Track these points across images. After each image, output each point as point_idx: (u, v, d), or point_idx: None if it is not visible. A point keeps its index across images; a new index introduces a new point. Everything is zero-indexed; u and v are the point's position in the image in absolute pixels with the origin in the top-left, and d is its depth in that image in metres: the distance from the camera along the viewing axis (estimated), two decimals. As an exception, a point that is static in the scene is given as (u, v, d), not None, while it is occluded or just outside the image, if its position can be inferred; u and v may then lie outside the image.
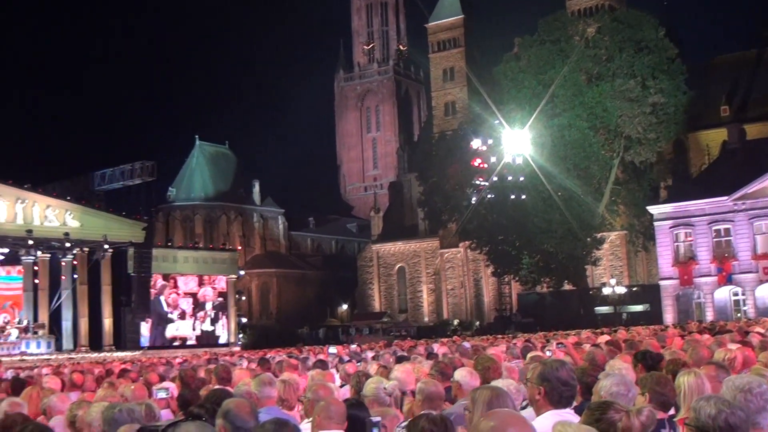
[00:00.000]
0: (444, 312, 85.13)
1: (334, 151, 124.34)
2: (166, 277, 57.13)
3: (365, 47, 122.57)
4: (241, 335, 65.80)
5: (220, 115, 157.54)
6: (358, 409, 6.02)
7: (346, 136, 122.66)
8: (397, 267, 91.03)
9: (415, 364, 10.47)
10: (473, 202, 56.64)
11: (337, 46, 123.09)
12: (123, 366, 20.97)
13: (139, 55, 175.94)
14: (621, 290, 62.18)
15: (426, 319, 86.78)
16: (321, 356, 18.00)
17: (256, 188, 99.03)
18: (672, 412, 5.77)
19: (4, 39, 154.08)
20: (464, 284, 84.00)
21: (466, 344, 20.12)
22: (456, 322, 79.65)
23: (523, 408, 6.06)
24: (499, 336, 35.96)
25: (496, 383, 6.24)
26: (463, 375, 7.31)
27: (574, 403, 5.59)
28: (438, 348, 18.97)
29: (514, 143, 45.33)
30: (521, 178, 49.69)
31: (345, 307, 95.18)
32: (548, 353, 12.60)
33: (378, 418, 4.74)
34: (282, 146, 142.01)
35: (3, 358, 39.80)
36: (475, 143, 46.45)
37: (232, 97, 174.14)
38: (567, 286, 64.02)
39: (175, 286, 58.06)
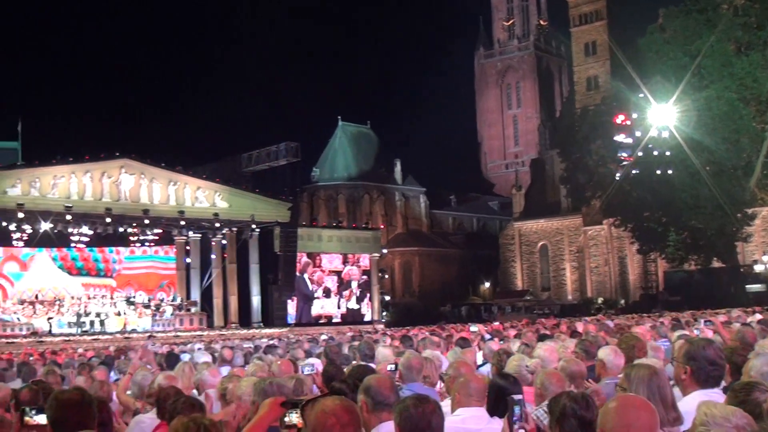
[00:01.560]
0: (588, 290, 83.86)
1: (474, 129, 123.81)
2: (310, 256, 58.29)
3: (505, 23, 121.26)
4: (384, 313, 66.47)
5: (362, 95, 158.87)
6: (507, 382, 6.01)
7: (487, 114, 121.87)
8: (539, 245, 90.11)
9: (558, 343, 10.40)
10: (617, 177, 55.38)
11: (477, 22, 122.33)
12: (270, 342, 21.50)
13: (283, 39, 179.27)
14: (774, 267, 59.90)
15: (569, 297, 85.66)
16: (463, 334, 18.02)
17: (398, 167, 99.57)
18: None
19: (161, 28, 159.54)
20: (608, 262, 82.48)
21: (610, 322, 19.82)
22: (600, 300, 78.34)
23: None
24: (645, 314, 35.26)
25: (642, 362, 6.15)
26: (608, 353, 7.22)
27: (723, 384, 5.47)
28: (582, 326, 18.75)
29: (660, 117, 44.11)
30: (667, 153, 48.34)
31: (487, 285, 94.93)
32: (696, 332, 12.30)
33: (520, 396, 4.73)
34: (423, 125, 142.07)
35: (158, 334, 41.54)
36: (619, 118, 45.44)
37: (373, 77, 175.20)
38: (716, 264, 61.99)
39: (320, 265, 59.14)
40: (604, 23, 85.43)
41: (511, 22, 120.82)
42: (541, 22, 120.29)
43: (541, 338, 12.82)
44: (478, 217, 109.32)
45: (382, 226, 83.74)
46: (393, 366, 7.86)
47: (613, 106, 58.90)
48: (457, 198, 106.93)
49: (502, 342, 13.72)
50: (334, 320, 57.86)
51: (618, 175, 54.97)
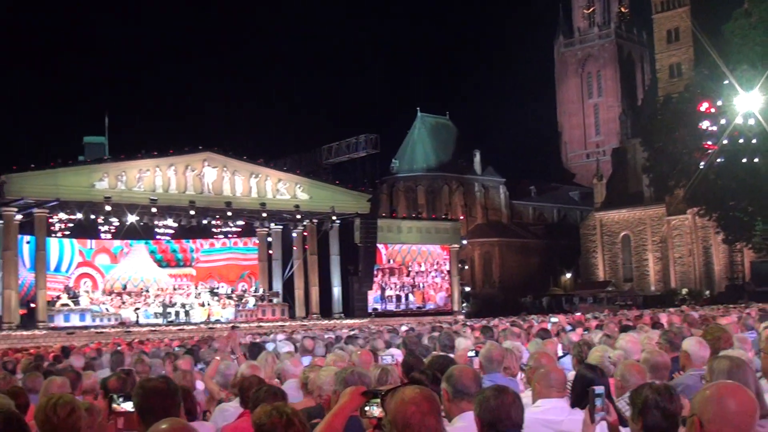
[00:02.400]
0: (671, 281, 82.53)
1: (554, 119, 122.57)
2: (390, 247, 58.43)
3: (585, 11, 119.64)
4: (464, 304, 66.35)
5: (441, 86, 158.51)
6: (593, 373, 5.96)
7: (567, 103, 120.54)
8: (621, 235, 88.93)
9: (641, 334, 10.29)
10: (702, 166, 54.35)
11: (557, 11, 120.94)
12: (351, 333, 21.64)
13: (362, 31, 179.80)
14: None
15: (652, 288, 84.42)
16: (544, 325, 17.91)
17: (477, 158, 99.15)
18: None
19: (241, 20, 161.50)
20: (693, 252, 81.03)
21: (695, 314, 19.49)
22: (684, 291, 77.02)
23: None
24: (731, 306, 34.59)
25: (726, 353, 6.05)
26: (692, 345, 7.11)
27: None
28: (665, 318, 18.48)
29: (746, 104, 43.11)
30: (753, 141, 47.24)
31: (568, 275, 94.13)
32: (784, 324, 12.02)
33: (601, 389, 4.70)
34: (502, 115, 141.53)
35: (241, 325, 42.15)
36: (703, 105, 44.54)
37: (452, 68, 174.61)
38: (806, 254, 60.52)
39: (399, 256, 59.18)
40: (687, 9, 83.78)
41: (591, 9, 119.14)
42: (622, 9, 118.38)
43: (624, 329, 12.69)
44: (558, 207, 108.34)
45: (461, 217, 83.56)
46: (474, 352, 7.85)
47: (697, 94, 57.76)
48: (537, 188, 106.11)
49: (586, 332, 13.62)
50: (415, 311, 57.89)
51: (702, 163, 53.97)
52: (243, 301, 50.80)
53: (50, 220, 44.84)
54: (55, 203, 42.55)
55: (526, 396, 5.97)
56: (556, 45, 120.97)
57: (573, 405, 5.56)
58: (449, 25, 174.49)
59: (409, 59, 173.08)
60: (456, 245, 61.99)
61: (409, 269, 59.28)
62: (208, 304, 49.22)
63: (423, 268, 60.02)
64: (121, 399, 4.69)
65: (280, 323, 46.70)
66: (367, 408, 4.35)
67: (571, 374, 6.64)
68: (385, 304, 57.67)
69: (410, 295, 59.36)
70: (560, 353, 10.57)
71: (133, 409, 4.64)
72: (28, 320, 43.16)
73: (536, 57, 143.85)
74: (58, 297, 45.37)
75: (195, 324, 46.00)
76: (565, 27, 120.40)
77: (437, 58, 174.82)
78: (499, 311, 58.29)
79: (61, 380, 7.53)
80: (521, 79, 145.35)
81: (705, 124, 45.22)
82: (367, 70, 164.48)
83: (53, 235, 47.12)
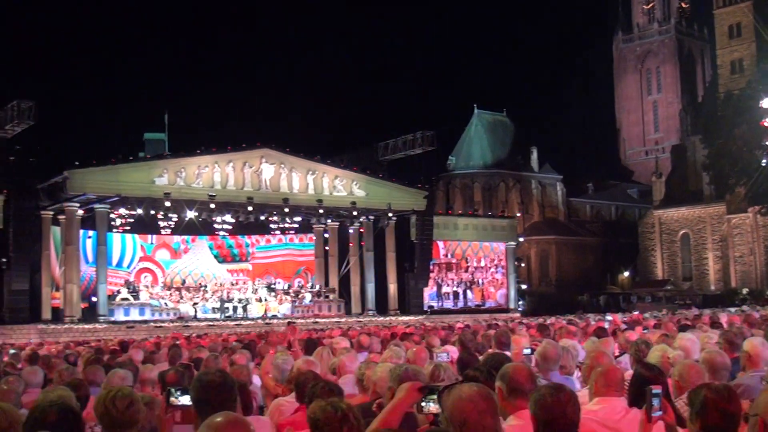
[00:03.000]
0: (731, 280, 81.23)
1: (613, 115, 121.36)
2: (446, 244, 58.32)
3: (645, 7, 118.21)
4: (520, 301, 66.01)
5: (498, 83, 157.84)
6: (651, 373, 5.90)
7: (626, 99, 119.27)
8: (680, 233, 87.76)
9: (699, 334, 10.15)
10: (764, 164, 53.44)
11: (616, 7, 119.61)
12: (406, 329, 21.65)
13: (419, 27, 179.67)
14: None
15: (712, 287, 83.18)
16: (600, 323, 17.75)
17: (534, 155, 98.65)
18: None
19: (298, 21, 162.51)
20: (754, 251, 79.66)
21: (755, 314, 19.18)
22: (745, 291, 75.74)
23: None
24: (794, 306, 33.95)
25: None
26: (754, 345, 7.00)
27: None
28: (725, 318, 18.22)
29: (810, 100, 42.30)
30: (818, 138, 46.36)
31: (626, 274, 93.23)
32: None
33: (659, 388, 4.64)
34: (560, 112, 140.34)
35: (298, 321, 42.40)
36: (765, 102, 43.76)
37: (509, 64, 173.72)
38: None
39: (455, 253, 59.05)
40: (749, 4, 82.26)
41: (651, 5, 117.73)
42: (683, 5, 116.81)
43: (682, 329, 12.53)
44: (616, 204, 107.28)
45: (518, 215, 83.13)
46: (529, 350, 7.81)
47: (759, 90, 56.75)
48: (594, 185, 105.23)
49: (646, 331, 13.48)
50: (471, 309, 57.69)
51: (765, 161, 53.08)
52: (299, 297, 51.14)
53: (111, 216, 45.60)
54: (116, 199, 43.20)
55: (582, 395, 5.92)
56: (614, 41, 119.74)
57: (631, 404, 5.51)
58: (507, 21, 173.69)
59: (467, 55, 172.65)
60: (512, 243, 61.68)
61: (468, 264, 59.10)
62: (265, 300, 49.63)
63: (483, 264, 59.81)
64: (178, 393, 4.74)
65: (335, 319, 46.89)
66: (423, 404, 4.36)
67: (628, 373, 6.58)
68: (441, 302, 57.57)
69: (468, 292, 59.14)
70: (617, 352, 10.48)
71: (190, 403, 4.69)
72: (89, 314, 43.95)
73: (595, 53, 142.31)
74: (119, 291, 46.11)
75: (252, 319, 46.45)
76: (624, 23, 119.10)
77: (495, 55, 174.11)
78: (556, 309, 57.89)
79: (123, 373, 7.66)
80: (579, 75, 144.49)
81: (767, 122, 44.41)
82: (424, 67, 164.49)
83: (114, 230, 47.90)
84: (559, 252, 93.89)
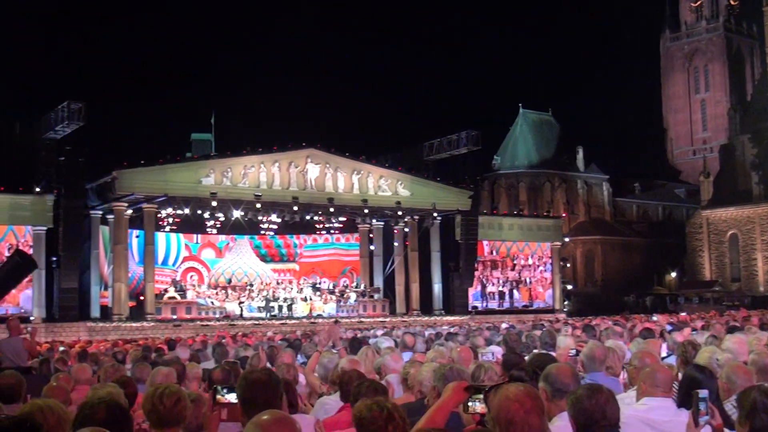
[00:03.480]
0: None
1: (660, 114, 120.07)
2: (491, 244, 58.13)
3: (693, 4, 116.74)
4: (566, 302, 65.62)
5: (543, 82, 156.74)
6: (701, 374, 5.84)
7: (673, 98, 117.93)
8: (729, 234, 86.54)
9: (749, 335, 10.03)
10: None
11: (663, 4, 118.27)
12: (451, 329, 21.64)
13: (463, 28, 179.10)
14: None
15: (761, 288, 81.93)
16: (647, 324, 17.59)
17: (580, 154, 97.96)
18: None
19: (345, 21, 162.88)
20: (805, 252, 78.51)
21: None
22: (795, 292, 74.68)
23: None
24: None
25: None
26: (803, 347, 6.91)
27: None
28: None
29: None
30: None
31: (673, 274, 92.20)
32: None
33: (706, 392, 4.60)
34: (606, 111, 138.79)
35: (342, 320, 42.51)
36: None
37: (554, 63, 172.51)
38: None
39: (501, 253, 58.83)
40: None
41: (699, 3, 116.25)
42: (731, 2, 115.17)
43: (731, 330, 12.40)
44: (663, 204, 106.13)
45: (563, 215, 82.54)
46: (574, 351, 7.77)
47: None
48: (641, 185, 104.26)
49: (694, 333, 13.35)
50: (517, 309, 57.45)
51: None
52: (344, 296, 51.28)
53: (158, 215, 46.09)
54: (163, 198, 43.66)
55: (629, 396, 5.88)
56: (662, 39, 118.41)
57: (679, 405, 5.46)
58: (552, 20, 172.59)
59: (512, 55, 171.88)
60: (558, 243, 61.35)
61: (515, 262, 58.87)
62: (311, 299, 49.82)
63: (531, 262, 59.55)
64: (225, 390, 4.79)
65: (380, 319, 46.99)
66: (470, 404, 4.36)
67: (677, 375, 6.51)
68: (486, 302, 57.42)
69: (515, 292, 58.92)
70: (664, 354, 10.38)
71: (236, 401, 4.74)
72: (137, 312, 44.49)
73: (641, 52, 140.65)
74: (166, 290, 46.56)
75: (297, 318, 46.70)
76: (671, 21, 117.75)
77: (540, 54, 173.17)
78: (601, 310, 57.47)
79: (167, 370, 7.75)
80: (626, 74, 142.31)
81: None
82: (468, 66, 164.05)
83: (161, 229, 48.41)
84: (604, 252, 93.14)
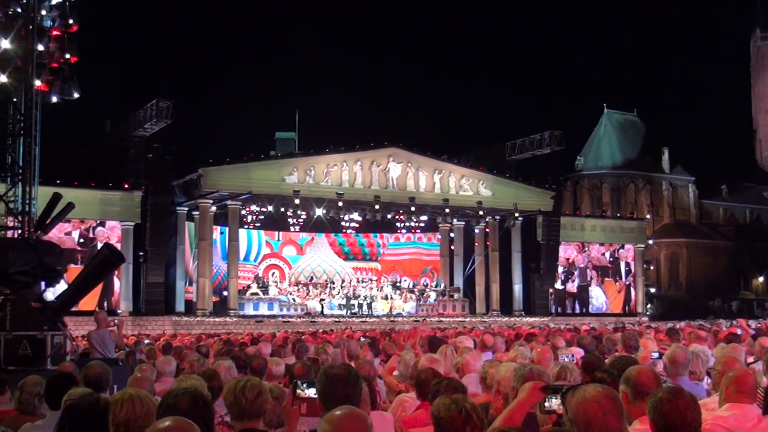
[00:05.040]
0: None
1: (749, 115, 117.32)
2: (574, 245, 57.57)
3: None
4: (649, 305, 64.62)
5: (629, 82, 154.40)
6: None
7: (763, 98, 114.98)
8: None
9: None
10: None
11: (753, 2, 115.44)
12: (531, 330, 21.49)
13: (546, 27, 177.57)
14: None
15: None
16: (732, 329, 17.21)
17: (665, 156, 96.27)
18: None
19: (422, 28, 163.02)
20: None
21: None
22: None
23: None
24: None
25: None
26: None
27: None
28: None
29: None
30: None
31: (761, 279, 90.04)
32: None
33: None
34: (693, 112, 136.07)
35: (420, 319, 42.56)
36: None
37: (640, 63, 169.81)
38: None
39: (584, 254, 58.21)
40: None
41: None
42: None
43: (820, 337, 12.05)
44: (751, 207, 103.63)
45: (647, 216, 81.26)
46: (657, 354, 7.67)
47: None
48: (728, 187, 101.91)
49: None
50: (598, 312, 56.79)
51: None
52: (425, 295, 51.34)
53: (242, 212, 46.74)
54: (247, 196, 44.31)
55: (712, 401, 5.79)
56: (752, 38, 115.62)
57: (764, 412, 5.35)
58: (638, 19, 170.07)
59: (597, 54, 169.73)
60: (641, 245, 60.43)
61: (597, 264, 58.28)
62: (391, 298, 49.98)
63: (612, 265, 58.90)
64: (305, 385, 4.86)
65: (460, 319, 46.91)
66: (546, 404, 4.34)
67: (763, 381, 6.39)
68: (566, 304, 56.89)
69: (597, 294, 58.30)
70: (750, 359, 10.16)
71: (315, 396, 4.80)
72: (220, 307, 45.20)
73: (730, 51, 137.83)
74: (249, 286, 47.20)
75: (377, 317, 46.91)
76: (762, 19, 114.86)
77: (625, 53, 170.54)
78: (685, 314, 56.44)
79: (228, 363, 7.95)
80: (714, 74, 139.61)
81: None
82: (553, 66, 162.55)
83: (244, 226, 49.06)
84: (689, 255, 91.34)
